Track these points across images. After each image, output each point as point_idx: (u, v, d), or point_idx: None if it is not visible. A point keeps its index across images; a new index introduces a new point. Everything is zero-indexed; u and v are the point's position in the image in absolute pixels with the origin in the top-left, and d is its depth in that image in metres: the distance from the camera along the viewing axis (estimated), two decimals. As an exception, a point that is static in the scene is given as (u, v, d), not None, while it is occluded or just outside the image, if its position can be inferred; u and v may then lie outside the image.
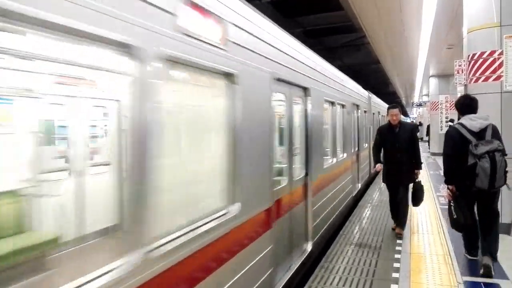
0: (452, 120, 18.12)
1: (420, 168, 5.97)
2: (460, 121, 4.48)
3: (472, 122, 4.31)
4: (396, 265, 4.74)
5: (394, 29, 11.81)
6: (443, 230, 6.09)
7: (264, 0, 11.28)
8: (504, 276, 4.33)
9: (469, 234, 4.67)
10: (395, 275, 4.45)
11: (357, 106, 9.78)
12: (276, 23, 4.36)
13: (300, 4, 12.15)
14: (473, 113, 4.45)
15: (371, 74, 25.55)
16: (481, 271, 4.32)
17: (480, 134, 4.23)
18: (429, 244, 5.46)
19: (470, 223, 4.42)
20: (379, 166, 6.19)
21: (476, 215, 4.59)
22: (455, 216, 4.42)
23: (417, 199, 5.99)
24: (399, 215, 6.00)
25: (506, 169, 4.14)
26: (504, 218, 5.89)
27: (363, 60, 20.47)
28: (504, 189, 4.36)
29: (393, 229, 6.16)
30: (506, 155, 4.22)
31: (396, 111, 5.97)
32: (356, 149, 9.60)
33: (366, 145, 11.61)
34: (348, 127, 8.14)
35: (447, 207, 4.58)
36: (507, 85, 5.78)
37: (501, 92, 5.91)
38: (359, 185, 9.84)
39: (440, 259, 4.89)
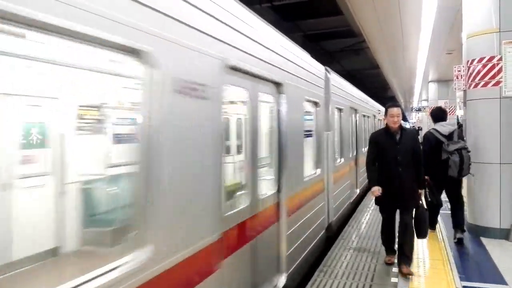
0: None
1: (424, 187, 4.87)
2: (435, 127, 5.90)
3: (443, 127, 5.77)
4: (395, 269, 4.72)
5: (393, 34, 11.86)
6: (442, 236, 6.08)
7: (264, 4, 11.33)
8: (502, 282, 4.32)
9: (432, 215, 5.85)
10: (394, 279, 4.44)
11: (278, 85, 4.16)
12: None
13: (300, 8, 12.20)
14: (443, 121, 5.95)
15: (370, 79, 25.63)
16: (455, 241, 5.68)
17: (449, 136, 5.64)
18: (428, 249, 5.45)
19: (439, 204, 5.93)
20: (377, 190, 4.54)
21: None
22: (429, 199, 5.60)
23: (422, 230, 4.70)
24: (404, 248, 4.55)
25: (470, 162, 5.55)
26: (503, 223, 5.90)
27: (362, 65, 20.54)
28: (504, 194, 5.54)
29: (387, 263, 4.89)
30: (469, 151, 5.58)
31: (397, 111, 4.62)
32: (249, 200, 3.52)
33: (317, 171, 5.95)
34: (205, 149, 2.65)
35: (427, 194, 5.64)
36: (506, 91, 5.80)
37: (500, 98, 5.92)
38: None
39: (438, 264, 4.88)
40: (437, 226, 6.67)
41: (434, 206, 5.80)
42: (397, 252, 4.78)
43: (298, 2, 11.60)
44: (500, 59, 5.85)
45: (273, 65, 4.02)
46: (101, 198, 4.36)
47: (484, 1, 6.09)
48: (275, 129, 4.19)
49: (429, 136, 5.83)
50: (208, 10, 2.70)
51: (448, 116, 8.85)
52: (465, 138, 6.15)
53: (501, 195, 5.93)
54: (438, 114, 6.08)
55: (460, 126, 13.42)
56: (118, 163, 4.42)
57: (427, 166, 5.27)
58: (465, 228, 5.91)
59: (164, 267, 2.10)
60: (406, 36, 12.05)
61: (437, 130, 5.75)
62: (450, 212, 6.02)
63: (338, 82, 7.72)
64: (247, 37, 3.41)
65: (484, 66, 6.03)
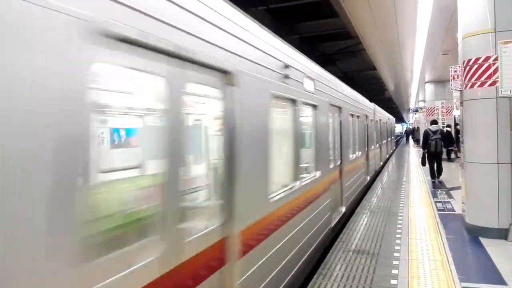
0: (449, 125, 18.21)
1: None
2: (429, 127, 12.22)
3: (433, 128, 11.95)
4: (394, 271, 4.71)
5: (389, 35, 11.89)
6: (441, 236, 6.07)
7: (260, 7, 11.35)
8: (501, 282, 4.32)
9: (431, 171, 11.91)
10: (393, 281, 4.42)
11: (226, 75, 2.98)
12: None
13: (296, 11, 12.23)
14: (435, 124, 12.24)
15: (367, 81, 25.69)
16: (438, 180, 11.81)
17: (435, 132, 11.71)
18: (427, 250, 5.44)
19: (430, 164, 11.89)
20: None
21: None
22: (423, 160, 12.11)
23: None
24: None
25: (442, 145, 11.82)
26: (502, 223, 5.90)
27: (359, 67, 20.59)
28: (502, 194, 5.93)
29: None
30: (442, 140, 11.81)
31: None
32: None
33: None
34: None
35: (421, 156, 12.28)
36: (502, 91, 5.81)
37: (496, 98, 5.93)
38: None
39: (438, 265, 4.87)
40: (436, 228, 6.70)
41: (424, 164, 12.09)
42: None
43: (294, 5, 11.63)
44: (496, 59, 5.86)
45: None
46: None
47: (479, 2, 6.11)
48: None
49: (425, 131, 12.14)
50: None
51: (448, 117, 18.66)
52: (461, 138, 6.74)
53: (499, 195, 5.94)
54: (432, 121, 12.75)
55: (448, 126, 18.22)
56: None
57: (423, 145, 12.08)
58: (440, 179, 11.95)
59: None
60: (402, 37, 12.08)
61: (429, 129, 12.00)
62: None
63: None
64: None
65: (480, 66, 6.05)
